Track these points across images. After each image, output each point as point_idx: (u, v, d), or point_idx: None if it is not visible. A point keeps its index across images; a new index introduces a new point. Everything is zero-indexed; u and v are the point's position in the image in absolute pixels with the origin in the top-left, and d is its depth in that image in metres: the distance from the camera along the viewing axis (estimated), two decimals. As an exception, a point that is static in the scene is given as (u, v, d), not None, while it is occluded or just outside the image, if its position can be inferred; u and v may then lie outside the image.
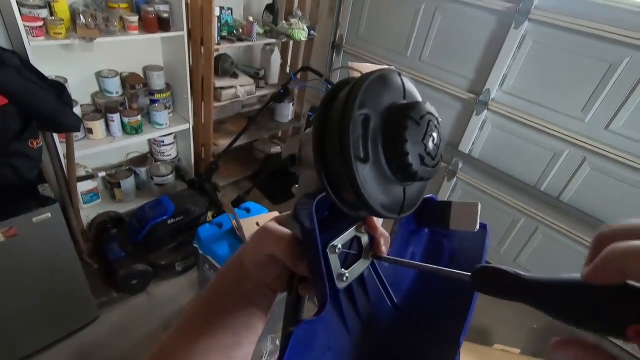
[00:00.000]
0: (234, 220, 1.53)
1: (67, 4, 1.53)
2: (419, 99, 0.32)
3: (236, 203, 2.13)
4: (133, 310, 1.76)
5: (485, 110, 2.05)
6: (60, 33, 1.47)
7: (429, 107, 0.30)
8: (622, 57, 1.59)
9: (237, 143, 2.25)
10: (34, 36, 1.41)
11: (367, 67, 1.55)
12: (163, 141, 2.25)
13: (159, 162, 2.28)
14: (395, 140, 0.28)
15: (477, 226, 0.38)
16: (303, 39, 2.33)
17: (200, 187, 2.11)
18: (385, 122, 0.29)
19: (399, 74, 0.32)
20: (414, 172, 0.29)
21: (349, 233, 0.36)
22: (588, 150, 1.79)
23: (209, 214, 2.06)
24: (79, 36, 1.50)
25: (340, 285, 0.34)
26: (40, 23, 1.42)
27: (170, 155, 2.33)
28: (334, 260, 0.34)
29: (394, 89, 0.31)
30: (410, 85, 0.32)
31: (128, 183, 2.14)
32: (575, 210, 1.89)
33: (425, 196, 0.43)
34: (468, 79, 2.10)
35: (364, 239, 0.37)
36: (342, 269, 0.35)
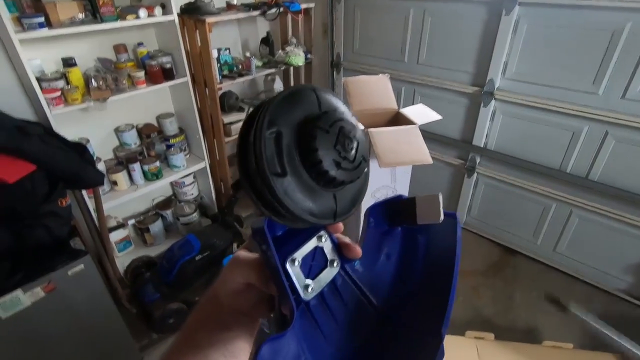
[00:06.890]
0: (255, 248, 1.56)
1: (80, 72, 1.68)
2: (337, 107, 0.33)
3: (259, 231, 2.17)
4: (173, 349, 1.80)
5: (493, 101, 2.01)
6: (77, 99, 1.61)
7: (340, 114, 0.32)
8: (623, 23, 1.53)
9: (253, 173, 2.31)
10: (54, 105, 1.55)
11: (363, 80, 1.58)
12: (184, 182, 2.35)
13: (182, 203, 2.38)
14: (307, 150, 0.30)
15: (442, 217, 0.38)
16: (301, 64, 2.41)
17: (223, 220, 2.18)
18: (298, 136, 0.30)
19: (314, 90, 0.33)
20: (333, 178, 0.30)
21: (309, 245, 0.36)
22: (608, 123, 1.70)
23: (234, 245, 2.11)
24: (93, 99, 1.64)
25: (307, 296, 0.35)
26: (59, 93, 1.56)
27: (192, 194, 2.43)
28: (297, 273, 0.34)
29: (307, 102, 0.32)
30: (326, 97, 0.33)
31: (157, 227, 2.24)
32: (608, 187, 1.78)
33: (394, 195, 0.44)
34: (469, 73, 2.08)
35: (327, 248, 0.38)
36: (308, 280, 0.35)
